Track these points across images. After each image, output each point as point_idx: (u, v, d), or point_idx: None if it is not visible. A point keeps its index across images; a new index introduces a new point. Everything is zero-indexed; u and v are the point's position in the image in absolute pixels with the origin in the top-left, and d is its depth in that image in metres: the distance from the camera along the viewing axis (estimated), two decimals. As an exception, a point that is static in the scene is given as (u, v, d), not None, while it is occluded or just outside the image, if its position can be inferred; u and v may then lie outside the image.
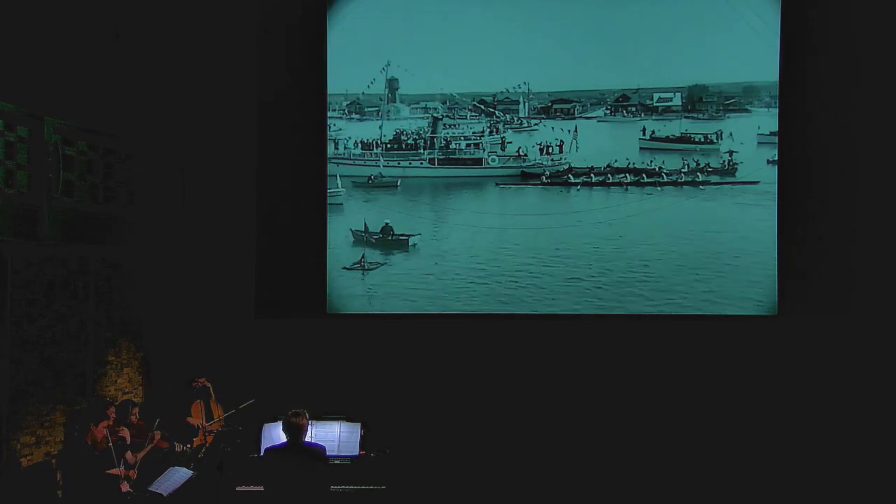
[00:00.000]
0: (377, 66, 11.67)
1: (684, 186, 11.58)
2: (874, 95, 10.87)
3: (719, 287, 11.26)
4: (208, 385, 9.96)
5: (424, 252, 11.59)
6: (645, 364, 11.01)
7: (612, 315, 11.27)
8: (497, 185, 11.83)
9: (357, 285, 11.57)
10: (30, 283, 8.83)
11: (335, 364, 11.01)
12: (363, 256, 11.57)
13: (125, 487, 8.45)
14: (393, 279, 11.53)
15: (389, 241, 11.61)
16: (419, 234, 11.64)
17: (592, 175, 11.67)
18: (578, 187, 11.66)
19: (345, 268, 11.57)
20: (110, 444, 8.49)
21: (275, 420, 8.37)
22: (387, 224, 11.64)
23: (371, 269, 11.53)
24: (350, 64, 11.66)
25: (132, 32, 10.63)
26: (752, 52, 11.28)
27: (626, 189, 11.62)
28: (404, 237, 11.63)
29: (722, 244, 11.38)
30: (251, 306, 11.44)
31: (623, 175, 11.64)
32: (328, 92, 11.71)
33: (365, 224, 11.65)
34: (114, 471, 8.45)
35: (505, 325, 11.31)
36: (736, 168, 11.50)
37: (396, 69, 11.66)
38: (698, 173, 11.57)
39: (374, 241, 11.62)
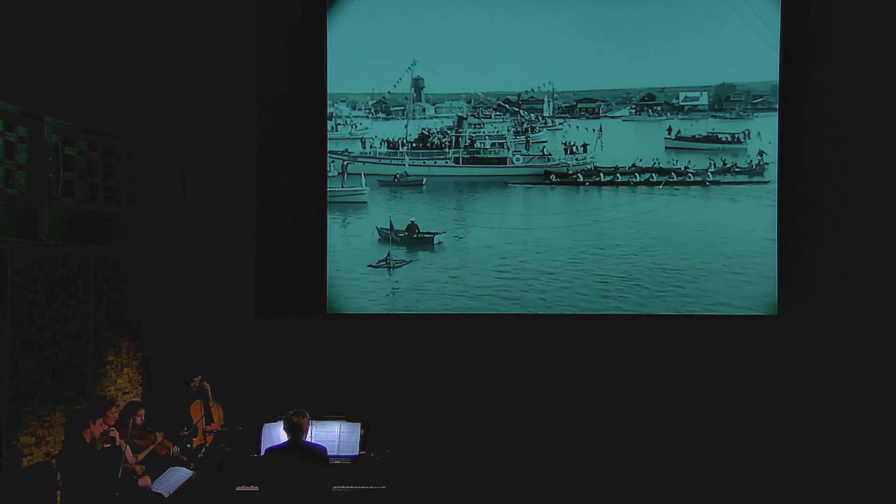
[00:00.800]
0: (380, 65, 11.67)
1: (691, 186, 11.57)
2: (874, 96, 10.86)
3: (719, 287, 11.26)
4: (206, 386, 9.92)
5: (449, 250, 11.61)
6: (645, 364, 11.01)
7: (611, 315, 11.27)
8: (506, 184, 11.83)
9: (381, 283, 11.57)
10: (30, 283, 8.83)
11: (335, 364, 11.01)
12: (389, 254, 11.60)
13: (145, 482, 8.40)
14: (418, 277, 11.57)
15: (415, 240, 11.63)
16: (444, 231, 11.66)
17: (601, 175, 11.65)
18: (586, 186, 11.65)
19: (370, 265, 11.59)
20: (106, 445, 8.46)
21: (275, 420, 8.37)
22: (412, 222, 11.65)
23: (396, 267, 11.55)
24: (350, 64, 11.65)
25: (132, 32, 10.64)
26: (753, 53, 11.28)
27: (634, 189, 11.61)
28: (429, 235, 11.65)
29: (722, 244, 11.38)
30: (251, 306, 11.44)
31: (631, 175, 11.62)
32: (328, 91, 11.70)
33: (391, 222, 11.68)
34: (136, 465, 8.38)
35: (505, 325, 11.31)
36: (765, 168, 11.44)
37: (403, 69, 11.67)
38: (711, 174, 11.49)
39: (399, 238, 11.64)
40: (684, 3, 11.50)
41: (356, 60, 11.66)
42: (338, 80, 11.70)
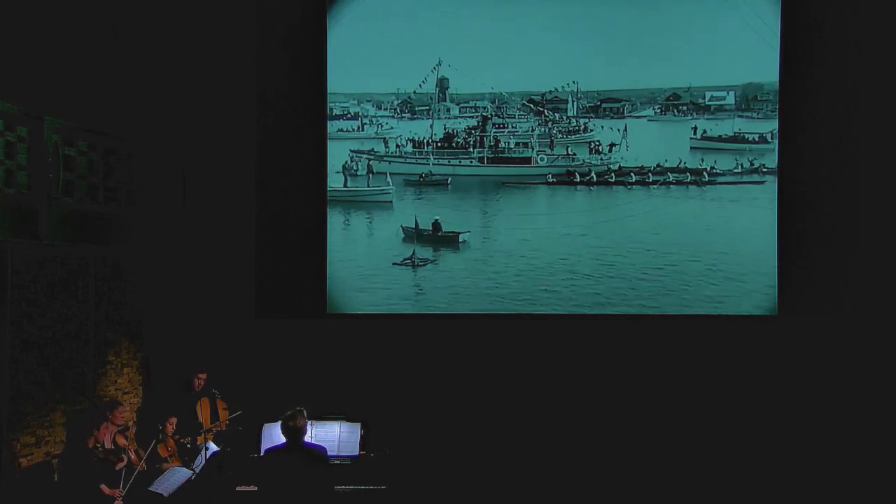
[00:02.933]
0: (381, 66, 11.68)
1: (690, 186, 11.57)
2: (874, 96, 10.86)
3: (719, 287, 11.26)
4: (215, 393, 9.88)
5: (474, 249, 11.61)
6: (645, 364, 11.01)
7: (612, 315, 11.27)
8: (504, 183, 11.84)
9: (404, 281, 11.61)
10: (30, 283, 8.83)
11: (335, 364, 11.01)
12: (413, 252, 11.60)
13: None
14: (442, 275, 11.60)
15: (440, 238, 11.64)
16: (469, 231, 11.65)
17: (594, 175, 11.69)
18: (593, 188, 11.68)
19: (395, 263, 11.59)
20: (100, 455, 8.40)
21: (275, 420, 8.36)
22: (437, 221, 11.67)
23: (421, 265, 11.56)
24: (350, 64, 11.66)
25: (132, 32, 10.63)
26: (754, 53, 11.27)
27: (630, 188, 11.62)
28: (454, 234, 11.65)
29: (722, 244, 11.38)
30: (251, 306, 11.44)
31: (626, 175, 11.63)
32: (328, 91, 11.69)
33: (416, 221, 11.68)
34: (115, 492, 8.37)
35: (505, 325, 11.31)
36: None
37: (406, 70, 11.67)
38: (737, 174, 11.48)
39: (424, 237, 11.64)
40: (688, 4, 11.48)
41: (356, 60, 11.66)
42: (338, 80, 11.71)
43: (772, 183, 11.35)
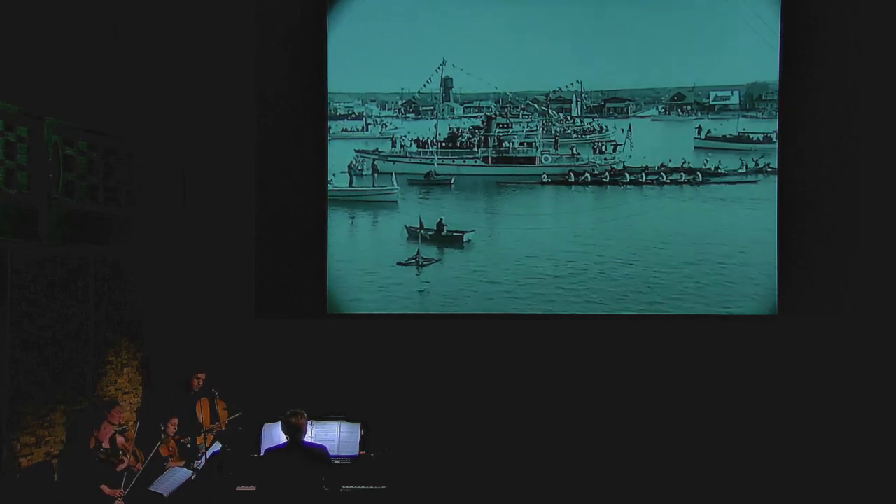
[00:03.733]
0: (381, 66, 11.69)
1: (685, 186, 11.58)
2: (874, 96, 10.87)
3: (719, 287, 11.26)
4: (214, 393, 9.88)
5: (478, 249, 11.61)
6: (645, 364, 11.01)
7: (612, 315, 11.27)
8: (497, 183, 11.85)
9: (408, 281, 11.61)
10: (30, 283, 8.83)
11: (335, 364, 11.01)
12: (418, 252, 11.60)
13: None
14: (446, 275, 11.61)
15: (444, 238, 11.64)
16: (473, 230, 11.65)
17: (588, 175, 11.70)
18: (589, 187, 11.68)
19: (399, 263, 11.59)
20: (101, 456, 8.40)
21: (275, 420, 8.36)
22: (440, 220, 11.68)
23: (425, 265, 11.55)
24: (351, 64, 11.66)
25: (132, 32, 10.64)
26: (756, 52, 11.27)
27: (625, 188, 11.63)
28: (459, 233, 11.65)
29: (722, 244, 11.38)
30: (251, 306, 11.44)
31: (621, 175, 11.64)
32: (328, 91, 11.70)
33: (420, 220, 11.68)
34: (116, 492, 8.38)
35: (505, 325, 11.31)
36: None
37: (409, 70, 11.68)
38: (742, 174, 11.48)
39: (428, 237, 11.63)
40: (688, 4, 11.49)
41: (357, 60, 11.66)
42: (339, 80, 11.71)
43: (772, 183, 11.35)
